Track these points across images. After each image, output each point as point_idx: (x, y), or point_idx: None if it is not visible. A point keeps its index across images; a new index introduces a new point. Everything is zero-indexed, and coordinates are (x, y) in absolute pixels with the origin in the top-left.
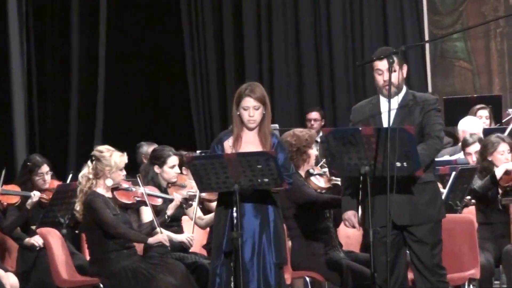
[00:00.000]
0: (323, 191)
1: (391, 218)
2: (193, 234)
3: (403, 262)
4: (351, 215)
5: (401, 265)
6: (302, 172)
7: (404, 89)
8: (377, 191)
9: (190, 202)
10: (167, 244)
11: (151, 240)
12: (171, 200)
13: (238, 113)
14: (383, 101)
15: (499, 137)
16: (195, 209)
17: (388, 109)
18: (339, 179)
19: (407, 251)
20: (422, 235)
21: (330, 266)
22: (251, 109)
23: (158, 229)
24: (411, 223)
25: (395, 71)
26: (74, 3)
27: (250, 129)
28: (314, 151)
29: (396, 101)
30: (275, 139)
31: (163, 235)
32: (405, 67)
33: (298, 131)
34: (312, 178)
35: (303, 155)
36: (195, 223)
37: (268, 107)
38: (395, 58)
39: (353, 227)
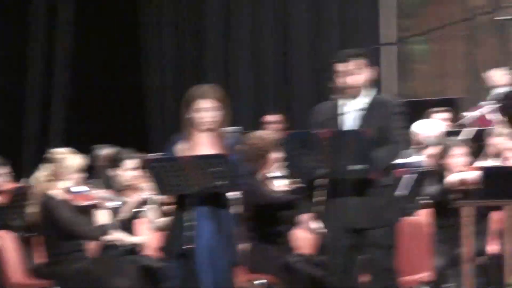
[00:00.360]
0: (282, 194)
1: (348, 221)
2: (148, 236)
3: (358, 265)
4: (307, 218)
5: (355, 267)
6: (260, 175)
7: (369, 90)
8: (334, 193)
9: (146, 205)
10: (122, 242)
11: (105, 237)
12: (127, 203)
13: (190, 116)
14: (345, 103)
15: (455, 140)
16: (151, 212)
17: (343, 112)
18: (298, 182)
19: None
20: (377, 238)
21: (285, 269)
22: (203, 110)
23: (111, 231)
24: (368, 226)
25: (352, 74)
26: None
27: (203, 131)
28: (277, 154)
29: (359, 102)
30: (229, 140)
31: (116, 234)
32: (370, 69)
33: (264, 133)
34: (271, 180)
35: (266, 158)
36: (151, 225)
37: (221, 107)
38: (361, 60)
39: (309, 230)
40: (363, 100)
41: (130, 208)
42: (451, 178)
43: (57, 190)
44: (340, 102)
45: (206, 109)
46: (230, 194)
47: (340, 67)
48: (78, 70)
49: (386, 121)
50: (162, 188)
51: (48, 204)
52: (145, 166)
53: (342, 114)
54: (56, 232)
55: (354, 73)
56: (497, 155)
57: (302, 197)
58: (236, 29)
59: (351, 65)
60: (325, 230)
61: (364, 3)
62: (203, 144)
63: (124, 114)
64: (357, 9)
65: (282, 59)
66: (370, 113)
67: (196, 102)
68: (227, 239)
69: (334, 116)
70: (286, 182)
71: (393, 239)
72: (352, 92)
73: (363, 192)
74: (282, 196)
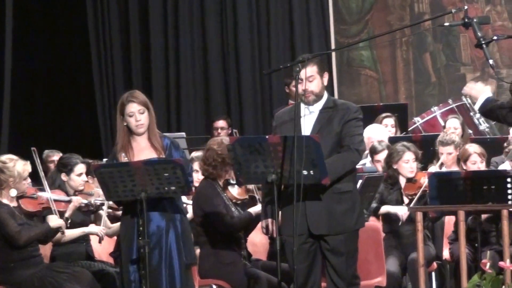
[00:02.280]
0: (239, 201)
1: (308, 226)
2: (101, 242)
3: (318, 271)
4: (269, 223)
5: (316, 273)
6: (220, 182)
7: (325, 96)
8: (294, 199)
9: (97, 210)
10: (64, 229)
11: (51, 224)
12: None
13: (125, 123)
14: (303, 108)
15: (405, 146)
16: (103, 218)
17: (295, 117)
18: (256, 191)
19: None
20: (337, 245)
21: (237, 274)
22: (136, 113)
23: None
24: (328, 233)
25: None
26: None
27: (140, 135)
28: None
29: (316, 108)
30: (167, 140)
31: (62, 222)
32: (326, 75)
33: (226, 140)
34: (229, 187)
35: (226, 166)
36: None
37: (152, 111)
38: (315, 67)
39: (270, 234)
40: (323, 105)
41: (72, 207)
42: (383, 209)
43: (6, 199)
44: (301, 106)
45: (139, 111)
46: (184, 199)
47: (300, 73)
48: (29, 78)
49: (345, 127)
50: (109, 193)
51: None
52: (93, 171)
53: (299, 119)
54: (4, 240)
55: (310, 79)
56: (448, 162)
57: (265, 202)
58: (183, 34)
59: (307, 71)
60: (277, 235)
61: (313, 8)
62: (142, 149)
63: (76, 120)
64: (306, 14)
65: (229, 65)
66: (329, 118)
67: (128, 106)
68: (181, 241)
69: (291, 121)
70: (243, 190)
71: (354, 246)
72: (308, 98)
73: (324, 198)
74: (241, 204)
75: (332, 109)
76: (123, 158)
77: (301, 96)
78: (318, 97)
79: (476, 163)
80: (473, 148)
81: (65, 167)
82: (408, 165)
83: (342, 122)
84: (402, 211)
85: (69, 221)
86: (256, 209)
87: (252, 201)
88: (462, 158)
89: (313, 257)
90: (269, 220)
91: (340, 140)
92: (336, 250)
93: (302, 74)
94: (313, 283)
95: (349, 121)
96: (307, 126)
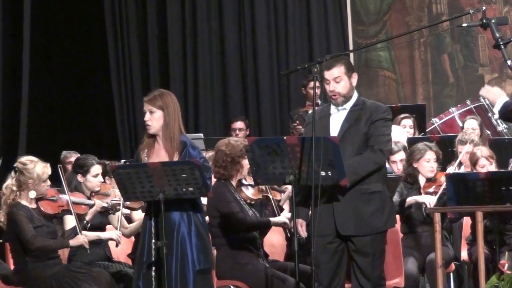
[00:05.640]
0: (253, 201)
1: (336, 227)
2: (118, 246)
3: (343, 271)
4: (298, 223)
5: (341, 274)
6: (233, 182)
7: (355, 96)
8: (324, 200)
9: (115, 211)
10: (87, 246)
11: (71, 242)
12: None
13: None
14: (332, 108)
15: (427, 145)
16: (119, 218)
17: (313, 119)
18: (270, 191)
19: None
20: (364, 246)
21: (255, 275)
22: (147, 113)
23: (80, 234)
24: (355, 233)
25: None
26: None
27: (149, 136)
28: (247, 161)
29: (345, 108)
30: (186, 139)
31: (83, 237)
32: (354, 75)
33: (233, 140)
34: (243, 188)
35: (237, 165)
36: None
37: (168, 112)
38: (342, 67)
39: (296, 234)
40: (352, 105)
41: (94, 211)
42: (409, 200)
43: (25, 200)
44: (331, 106)
45: (149, 111)
46: (202, 200)
47: (328, 74)
48: (47, 80)
49: (371, 127)
50: (127, 194)
51: (15, 215)
52: (111, 172)
53: (331, 118)
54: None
55: (337, 80)
56: (467, 161)
57: (295, 202)
58: (201, 36)
59: (334, 72)
60: (295, 236)
61: (331, 9)
62: (159, 149)
63: (94, 121)
64: (324, 15)
65: (247, 66)
66: (357, 118)
67: (144, 105)
68: (197, 242)
69: (319, 121)
70: (256, 190)
71: (381, 247)
72: (340, 99)
73: (353, 199)
74: (255, 203)
75: (361, 109)
76: (144, 158)
77: (329, 97)
78: (347, 98)
79: (485, 167)
80: (481, 152)
81: (81, 168)
82: (429, 164)
83: (369, 122)
84: (429, 200)
85: (89, 224)
86: (278, 219)
87: (267, 201)
88: (471, 162)
89: (339, 258)
90: (299, 220)
91: (367, 140)
92: (362, 251)
93: (328, 75)
94: (337, 283)
95: (376, 121)
96: (335, 125)
